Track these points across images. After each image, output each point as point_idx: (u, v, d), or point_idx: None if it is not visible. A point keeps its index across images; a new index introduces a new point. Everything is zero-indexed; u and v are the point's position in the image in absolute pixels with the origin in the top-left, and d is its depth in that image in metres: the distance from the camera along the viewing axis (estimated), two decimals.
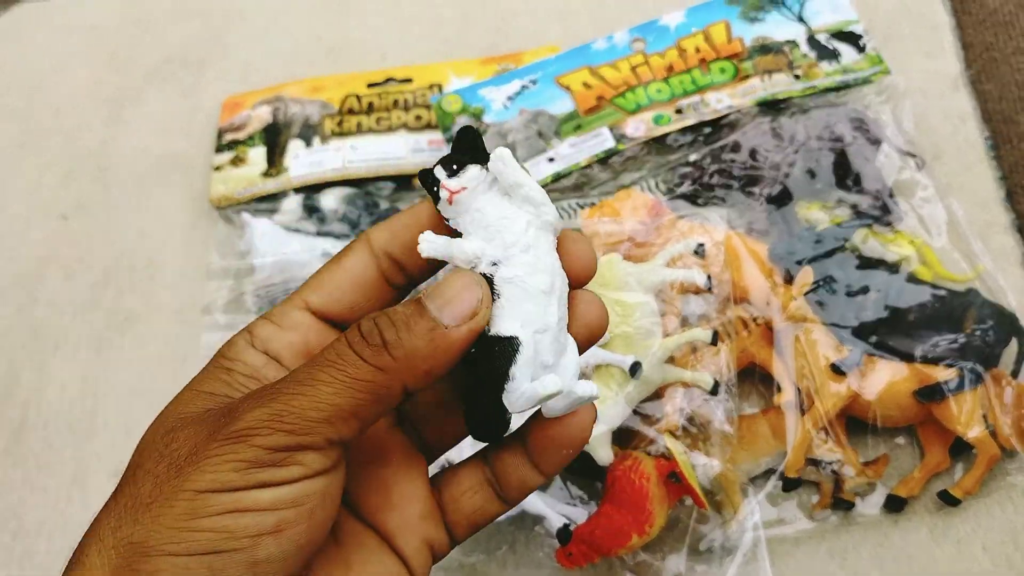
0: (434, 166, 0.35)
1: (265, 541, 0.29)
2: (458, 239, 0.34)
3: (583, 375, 0.65)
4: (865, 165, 0.72)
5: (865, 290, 0.66)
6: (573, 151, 0.78)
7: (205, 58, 0.99)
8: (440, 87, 0.89)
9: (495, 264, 0.34)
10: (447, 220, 0.35)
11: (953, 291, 0.66)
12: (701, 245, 0.66)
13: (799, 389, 0.64)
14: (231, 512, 0.29)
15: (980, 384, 0.62)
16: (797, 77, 0.79)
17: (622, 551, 0.59)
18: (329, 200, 0.82)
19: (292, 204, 0.82)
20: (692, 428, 0.64)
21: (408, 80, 0.90)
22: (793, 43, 0.81)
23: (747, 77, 0.80)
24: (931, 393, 0.62)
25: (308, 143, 0.87)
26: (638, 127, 0.78)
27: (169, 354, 0.79)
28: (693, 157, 0.76)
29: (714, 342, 0.63)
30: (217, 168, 0.87)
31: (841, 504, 0.63)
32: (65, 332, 0.81)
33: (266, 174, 0.85)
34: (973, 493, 0.62)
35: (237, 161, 0.87)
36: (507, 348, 0.33)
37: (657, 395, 0.64)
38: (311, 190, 0.83)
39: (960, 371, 0.62)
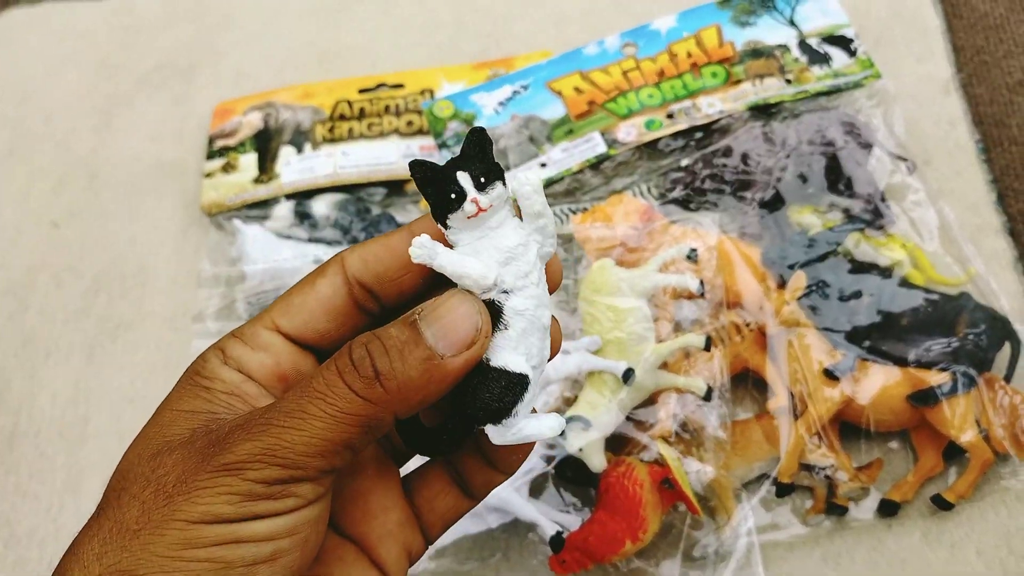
0: (453, 170, 0.32)
1: (260, 570, 0.29)
2: (468, 256, 0.32)
3: (575, 382, 0.65)
4: (856, 169, 0.72)
5: (858, 294, 0.66)
6: (565, 156, 0.78)
7: (196, 64, 0.99)
8: (432, 92, 0.89)
9: (506, 292, 0.32)
10: (447, 229, 0.32)
11: (945, 295, 0.66)
12: (694, 250, 0.66)
13: (792, 394, 0.64)
14: (226, 543, 0.29)
15: (973, 388, 0.62)
16: (788, 81, 0.79)
17: (616, 558, 0.59)
18: (320, 206, 0.81)
19: (283, 210, 0.82)
20: (685, 434, 0.64)
21: (400, 85, 0.90)
22: (784, 47, 0.81)
23: (739, 81, 0.80)
24: (924, 397, 0.62)
25: (300, 149, 0.87)
26: (630, 132, 0.78)
27: (161, 361, 0.79)
28: (685, 162, 0.76)
29: (707, 347, 0.63)
30: (208, 175, 0.86)
31: (835, 509, 0.62)
32: (56, 339, 0.81)
33: (257, 180, 0.85)
34: (966, 497, 0.62)
35: (228, 168, 0.86)
36: (517, 384, 0.32)
37: (650, 401, 0.64)
38: (302, 196, 0.83)
39: (953, 375, 0.62)
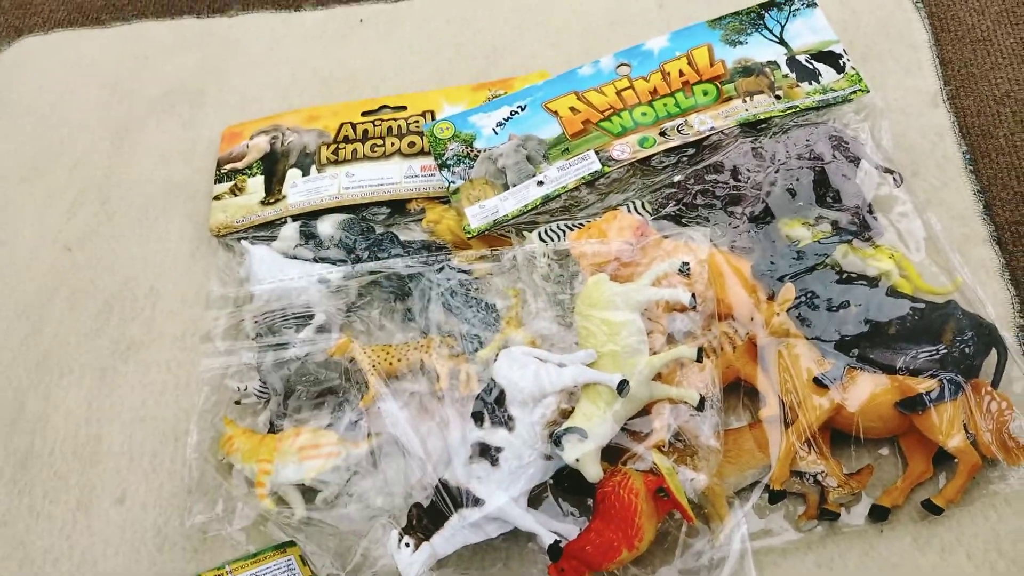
0: None
1: None
2: None
3: (571, 394, 0.66)
4: (844, 182, 0.74)
5: (846, 305, 0.68)
6: (561, 174, 0.80)
7: (204, 89, 1.01)
8: (433, 114, 0.91)
9: None
10: None
11: (932, 303, 0.68)
12: (686, 264, 0.68)
13: (783, 402, 0.66)
14: None
15: (961, 394, 0.63)
16: (778, 97, 0.81)
17: (613, 566, 0.61)
18: (326, 226, 0.83)
19: (289, 231, 0.83)
20: (679, 443, 0.65)
21: (402, 107, 0.92)
22: (774, 64, 0.83)
23: (729, 99, 0.82)
24: (912, 404, 0.63)
25: (305, 172, 0.89)
26: (624, 150, 0.80)
27: (172, 380, 0.80)
28: (677, 178, 0.78)
29: (699, 359, 0.64)
30: (217, 197, 0.89)
31: (827, 515, 0.64)
32: (70, 360, 0.83)
33: (264, 202, 0.87)
34: (956, 502, 0.63)
35: (236, 190, 0.89)
36: None
37: (645, 411, 0.66)
38: (308, 216, 0.85)
39: (941, 382, 0.63)
